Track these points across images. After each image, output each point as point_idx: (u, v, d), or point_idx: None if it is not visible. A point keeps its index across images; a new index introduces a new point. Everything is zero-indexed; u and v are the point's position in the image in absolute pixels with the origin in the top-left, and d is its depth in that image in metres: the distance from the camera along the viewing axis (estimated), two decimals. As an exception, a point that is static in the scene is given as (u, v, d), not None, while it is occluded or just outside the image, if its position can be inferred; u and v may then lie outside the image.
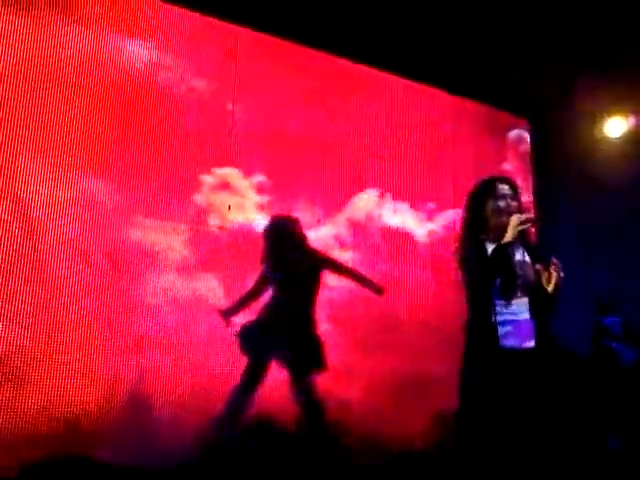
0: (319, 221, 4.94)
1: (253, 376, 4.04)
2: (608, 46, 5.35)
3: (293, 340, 4.13)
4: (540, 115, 6.46)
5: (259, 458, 3.70)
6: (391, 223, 5.28)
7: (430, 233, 5.43)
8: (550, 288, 2.73)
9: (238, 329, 4.12)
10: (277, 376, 4.04)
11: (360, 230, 5.06)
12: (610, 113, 6.18)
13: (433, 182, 5.51)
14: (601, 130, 6.14)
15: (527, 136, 6.44)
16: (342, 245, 4.96)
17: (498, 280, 2.77)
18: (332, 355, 4.21)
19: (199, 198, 4.37)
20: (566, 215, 6.00)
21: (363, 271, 4.65)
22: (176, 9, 4.42)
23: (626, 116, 6.15)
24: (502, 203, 2.85)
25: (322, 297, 4.31)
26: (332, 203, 4.96)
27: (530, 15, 5.05)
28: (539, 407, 2.68)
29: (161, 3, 4.39)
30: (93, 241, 3.74)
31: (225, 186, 4.50)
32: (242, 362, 4.06)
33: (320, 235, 4.84)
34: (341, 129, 5.06)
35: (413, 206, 5.35)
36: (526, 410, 2.65)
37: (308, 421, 4.07)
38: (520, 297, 2.79)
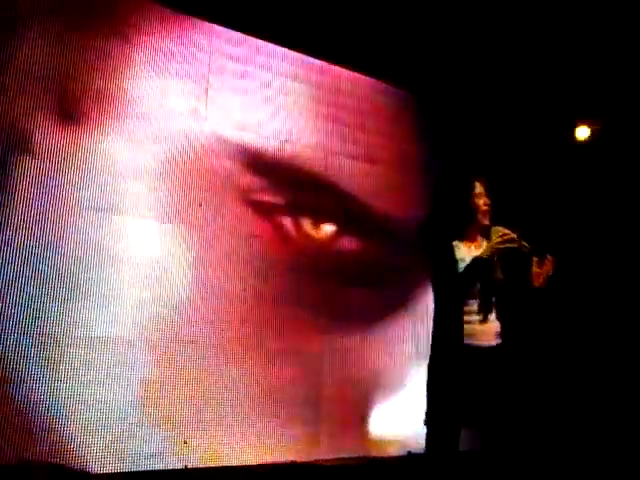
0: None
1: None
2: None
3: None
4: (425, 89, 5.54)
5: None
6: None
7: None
8: (537, 282, 2.47)
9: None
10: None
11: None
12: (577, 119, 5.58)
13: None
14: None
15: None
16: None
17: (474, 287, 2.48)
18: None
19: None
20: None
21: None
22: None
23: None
24: (479, 201, 2.55)
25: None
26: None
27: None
28: (502, 403, 2.47)
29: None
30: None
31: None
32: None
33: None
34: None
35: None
36: (490, 406, 2.45)
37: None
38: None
